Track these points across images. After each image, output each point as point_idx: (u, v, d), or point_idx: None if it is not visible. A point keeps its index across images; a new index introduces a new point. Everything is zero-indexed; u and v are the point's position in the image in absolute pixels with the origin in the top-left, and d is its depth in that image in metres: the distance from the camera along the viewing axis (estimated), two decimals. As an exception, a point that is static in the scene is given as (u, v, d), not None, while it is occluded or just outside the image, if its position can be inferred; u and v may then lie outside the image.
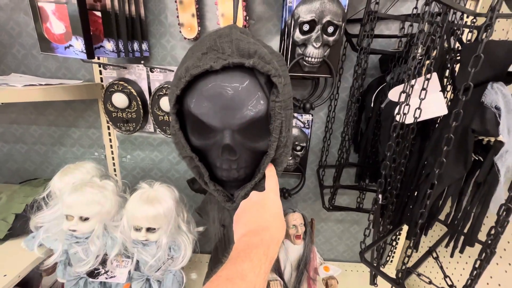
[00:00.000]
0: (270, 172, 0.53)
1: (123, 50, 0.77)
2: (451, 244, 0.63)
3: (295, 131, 1.01)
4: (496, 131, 0.49)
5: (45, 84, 0.78)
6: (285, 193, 1.12)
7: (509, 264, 0.79)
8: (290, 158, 1.03)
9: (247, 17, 0.87)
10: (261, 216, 0.44)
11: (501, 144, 0.50)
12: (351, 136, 1.02)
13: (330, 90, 0.85)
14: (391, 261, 1.29)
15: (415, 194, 0.67)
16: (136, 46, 0.86)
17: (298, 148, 1.02)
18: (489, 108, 0.49)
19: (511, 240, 0.78)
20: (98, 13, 0.69)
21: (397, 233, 1.02)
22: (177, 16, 0.87)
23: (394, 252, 1.27)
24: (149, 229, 0.65)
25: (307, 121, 1.02)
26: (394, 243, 1.08)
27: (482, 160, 0.55)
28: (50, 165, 1.14)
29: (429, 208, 0.63)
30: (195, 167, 0.54)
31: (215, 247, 0.65)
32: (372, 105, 0.90)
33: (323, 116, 1.06)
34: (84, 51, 0.62)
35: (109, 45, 0.72)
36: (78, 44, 0.62)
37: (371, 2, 0.73)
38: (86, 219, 0.66)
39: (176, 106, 0.49)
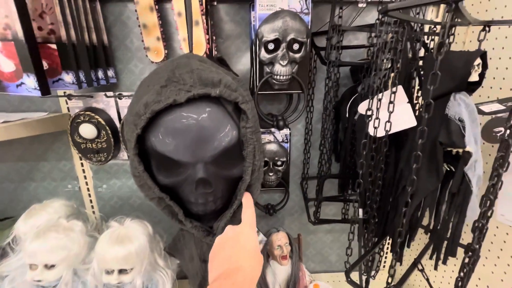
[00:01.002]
0: (247, 202, 0.51)
1: (85, 81, 0.73)
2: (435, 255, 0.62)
3: (274, 147, 0.99)
4: (462, 143, 0.48)
5: (3, 122, 0.73)
6: (269, 209, 1.10)
7: (495, 265, 0.79)
8: (272, 174, 1.01)
9: (214, 37, 0.86)
10: (235, 254, 0.42)
11: (469, 154, 0.49)
12: (330, 147, 1.01)
13: (305, 103, 0.85)
14: (384, 266, 1.29)
15: (395, 206, 0.66)
16: (101, 74, 0.83)
17: (279, 163, 1.00)
18: (453, 120, 0.48)
19: (495, 241, 0.78)
20: (53, 46, 0.66)
21: (385, 242, 1.01)
22: (142, 40, 0.85)
23: (386, 258, 1.27)
24: (121, 271, 0.61)
25: (285, 135, 1.01)
26: (382, 253, 1.07)
27: (454, 170, 0.55)
28: (21, 202, 1.07)
29: (409, 220, 0.63)
30: (166, 206, 0.51)
31: (200, 286, 0.62)
32: (347, 115, 0.90)
33: (301, 128, 1.05)
34: (38, 88, 0.58)
35: (68, 77, 0.69)
36: (30, 81, 0.58)
37: (334, 16, 0.73)
38: (52, 266, 0.61)
39: (137, 146, 0.46)
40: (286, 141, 1.02)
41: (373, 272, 1.14)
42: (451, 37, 0.75)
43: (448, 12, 0.35)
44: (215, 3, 0.88)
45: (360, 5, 0.88)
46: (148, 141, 0.47)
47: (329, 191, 1.14)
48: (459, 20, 0.55)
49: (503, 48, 0.65)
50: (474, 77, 0.49)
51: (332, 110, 0.86)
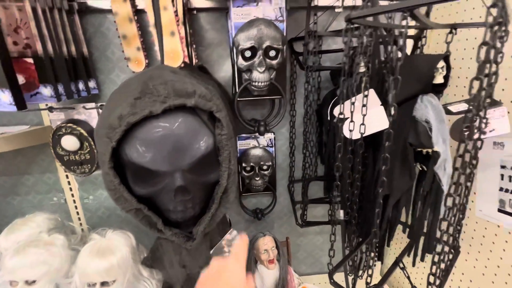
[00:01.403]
0: (242, 243, 0.46)
1: (64, 93, 0.73)
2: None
3: (259, 152, 1.00)
4: (430, 143, 0.50)
5: (-18, 138, 0.73)
6: (258, 214, 1.10)
7: (476, 259, 0.81)
8: (258, 178, 1.02)
9: (194, 45, 0.87)
10: None
11: (437, 154, 0.51)
12: (316, 149, 1.03)
13: (288, 107, 0.86)
14: (375, 264, 1.30)
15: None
16: (81, 85, 0.83)
17: (265, 167, 1.01)
18: (420, 122, 0.50)
19: (475, 236, 0.80)
20: (30, 60, 0.66)
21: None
22: (123, 51, 0.85)
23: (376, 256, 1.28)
24: (103, 284, 0.60)
25: (270, 139, 1.02)
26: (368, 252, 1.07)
27: (425, 169, 0.56)
28: (5, 217, 1.05)
29: (387, 220, 0.64)
30: (144, 217, 0.52)
31: (181, 292, 0.62)
32: (328, 118, 0.91)
33: (286, 132, 1.06)
34: (13, 103, 0.58)
35: (46, 90, 0.69)
36: (5, 96, 0.58)
37: (309, 22, 0.75)
38: (33, 282, 0.61)
39: (113, 159, 0.46)
40: (271, 145, 1.03)
41: (360, 272, 1.15)
42: (423, 40, 0.78)
43: (403, 19, 0.37)
44: (195, 12, 0.89)
45: (337, 10, 0.90)
46: (123, 153, 0.47)
47: (316, 193, 1.15)
48: (417, 24, 0.57)
49: (464, 49, 0.68)
50: (439, 80, 0.51)
51: (313, 113, 0.88)
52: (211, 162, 0.52)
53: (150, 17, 0.64)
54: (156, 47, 0.66)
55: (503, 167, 0.70)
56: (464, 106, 0.56)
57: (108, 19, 0.88)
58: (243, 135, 0.99)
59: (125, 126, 0.44)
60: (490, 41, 0.36)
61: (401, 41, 0.39)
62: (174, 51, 0.67)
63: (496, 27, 0.37)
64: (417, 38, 0.77)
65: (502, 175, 0.71)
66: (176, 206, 0.52)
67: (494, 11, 0.38)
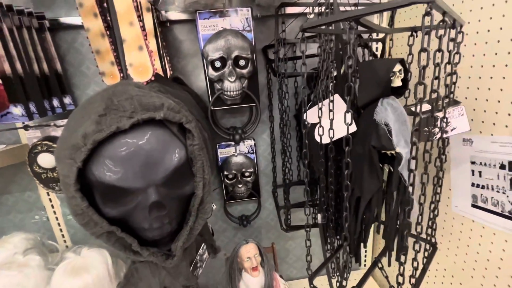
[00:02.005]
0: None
1: (36, 112, 0.73)
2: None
3: (240, 159, 1.01)
4: (391, 145, 0.51)
5: (-46, 160, 0.72)
6: (243, 221, 1.10)
7: (456, 255, 0.82)
8: (241, 185, 1.02)
9: (168, 57, 0.87)
10: None
11: (400, 155, 0.52)
12: (297, 153, 1.04)
13: (259, 115, 0.86)
14: (365, 260, 1.31)
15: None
16: (56, 102, 0.83)
17: (247, 174, 1.02)
18: (380, 125, 0.51)
19: (454, 232, 0.81)
20: (-1, 80, 0.66)
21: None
22: (97, 66, 0.85)
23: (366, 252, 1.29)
24: (79, 302, 0.60)
25: (250, 146, 1.03)
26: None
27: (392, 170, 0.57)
28: (-14, 239, 1.04)
29: (361, 222, 0.65)
30: (117, 240, 0.50)
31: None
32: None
33: (267, 138, 1.07)
34: (-20, 125, 0.58)
35: (17, 110, 0.69)
36: (-29, 119, 0.58)
37: (278, 31, 0.77)
38: (6, 305, 0.60)
39: (79, 181, 0.45)
40: (252, 152, 1.04)
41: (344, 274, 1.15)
42: (390, 43, 0.80)
43: (350, 28, 0.38)
44: (168, 24, 0.90)
45: (309, 16, 0.92)
46: (90, 173, 0.46)
47: (301, 196, 1.16)
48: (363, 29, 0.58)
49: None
50: (397, 83, 0.52)
51: (290, 119, 0.89)
52: (185, 173, 0.52)
53: (117, 31, 0.65)
54: (128, 61, 0.67)
55: (473, 162, 0.72)
56: (427, 107, 0.57)
57: (82, 34, 0.88)
58: (223, 143, 0.99)
59: (91, 144, 0.43)
60: (426, 47, 0.37)
61: (351, 49, 0.40)
62: (143, 65, 0.68)
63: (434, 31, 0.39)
64: (384, 41, 0.79)
65: (472, 171, 0.73)
66: (152, 223, 0.51)
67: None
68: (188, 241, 0.56)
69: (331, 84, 0.60)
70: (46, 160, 0.84)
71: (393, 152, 0.54)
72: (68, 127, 0.48)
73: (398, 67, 0.52)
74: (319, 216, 0.72)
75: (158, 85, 0.68)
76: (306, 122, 0.88)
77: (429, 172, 0.50)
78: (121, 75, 0.86)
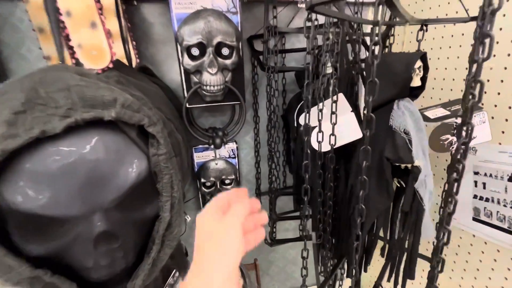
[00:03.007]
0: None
1: None
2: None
3: (220, 164, 0.88)
4: (410, 158, 0.42)
5: None
6: (222, 234, 0.98)
7: (452, 270, 0.77)
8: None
9: (134, 42, 0.72)
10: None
11: (418, 169, 0.43)
12: (283, 158, 0.94)
13: (243, 115, 0.75)
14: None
15: (348, 226, 0.59)
16: (-18, 92, 0.64)
17: (227, 181, 0.89)
18: (398, 133, 0.42)
19: (451, 246, 0.76)
20: None
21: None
22: (40, 48, 0.67)
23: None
24: None
25: (232, 150, 0.90)
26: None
27: (405, 186, 0.49)
28: None
29: (363, 244, 0.56)
30: (46, 285, 0.36)
31: None
32: (296, 124, 0.82)
33: (251, 140, 0.95)
34: None
35: None
36: None
37: (268, 17, 0.65)
38: None
39: None
40: (233, 156, 0.92)
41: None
42: (391, 38, 0.72)
43: (379, 4, 0.28)
44: (135, 3, 0.75)
45: (299, 5, 0.81)
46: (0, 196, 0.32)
47: (286, 204, 1.06)
48: (396, 19, 0.49)
49: (440, 48, 0.62)
50: (416, 82, 0.43)
51: (276, 120, 0.78)
52: (146, 192, 0.40)
53: (60, 1, 0.49)
54: (70, 43, 0.51)
55: (476, 173, 0.67)
56: (442, 112, 0.49)
57: (19, 7, 0.70)
58: (200, 146, 0.86)
59: (1, 156, 0.29)
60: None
61: (376, 33, 0.30)
62: (97, 48, 0.53)
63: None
64: (385, 36, 0.71)
65: (475, 182, 0.67)
66: (98, 260, 0.37)
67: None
68: (150, 277, 0.43)
69: (333, 81, 0.50)
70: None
71: (408, 165, 0.45)
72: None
73: (418, 63, 0.43)
74: (313, 234, 0.63)
75: (118, 74, 0.53)
76: (299, 125, 0.78)
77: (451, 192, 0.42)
78: (73, 61, 0.69)
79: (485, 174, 0.64)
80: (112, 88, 0.37)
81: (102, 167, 0.34)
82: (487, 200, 0.65)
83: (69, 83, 0.34)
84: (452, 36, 0.60)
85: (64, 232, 0.35)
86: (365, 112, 0.35)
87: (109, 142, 0.35)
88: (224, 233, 0.30)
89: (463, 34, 0.58)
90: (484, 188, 0.65)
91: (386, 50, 0.72)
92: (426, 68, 0.44)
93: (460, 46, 0.58)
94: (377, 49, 0.31)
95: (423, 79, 0.45)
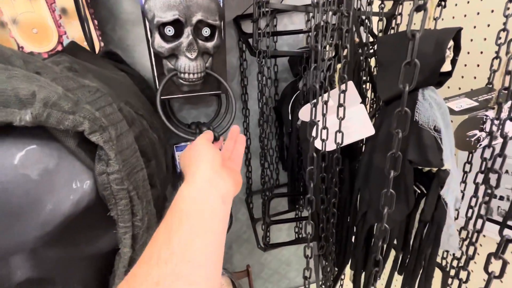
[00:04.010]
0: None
1: None
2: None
3: (206, 163, 0.78)
4: (439, 160, 0.34)
5: None
6: (211, 239, 0.89)
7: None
8: (207, 196, 0.80)
9: (96, 21, 0.59)
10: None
11: (446, 173, 0.36)
12: (276, 154, 0.85)
13: (233, 104, 0.65)
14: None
15: (354, 236, 0.51)
16: None
17: (214, 182, 0.80)
18: (426, 130, 0.34)
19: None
20: None
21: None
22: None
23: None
24: None
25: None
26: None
27: (424, 191, 0.41)
28: None
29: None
30: None
31: None
32: (290, 117, 0.73)
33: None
34: None
35: None
36: None
37: (258, -11, 0.54)
38: None
39: None
40: (220, 154, 0.82)
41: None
42: (398, 18, 0.63)
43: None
44: (97, -27, 0.61)
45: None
46: None
47: (280, 203, 0.98)
48: None
49: (474, 27, 0.54)
50: (446, 66, 0.35)
51: (270, 114, 0.68)
52: (95, 221, 0.31)
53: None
54: (2, 18, 0.38)
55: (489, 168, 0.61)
56: (468, 102, 0.41)
57: None
58: (183, 144, 0.75)
59: None
60: None
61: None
62: (39, 25, 0.40)
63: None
64: (390, 16, 0.62)
65: (489, 179, 0.62)
66: None
67: None
68: None
69: (340, 67, 0.41)
70: None
71: (433, 168, 0.37)
72: None
73: (450, 42, 0.34)
74: (314, 245, 0.55)
75: (70, 60, 0.42)
76: (294, 119, 0.69)
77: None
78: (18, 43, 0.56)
79: (506, 171, 0.58)
80: (34, 78, 0.26)
81: (16, 194, 0.24)
82: (501, 198, 0.59)
83: None
84: (478, 14, 0.52)
85: None
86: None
87: (30, 156, 0.25)
88: (195, 150, 0.35)
89: (492, 11, 0.50)
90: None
91: (393, 31, 0.63)
92: (457, 49, 0.36)
93: (489, 25, 0.50)
94: (420, 16, 0.22)
95: (453, 63, 0.37)
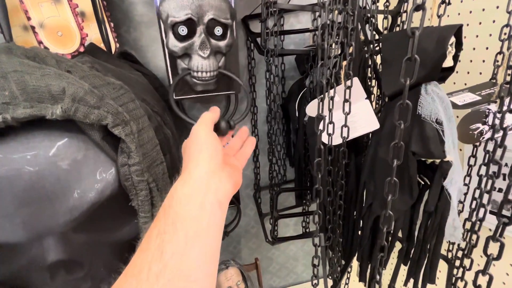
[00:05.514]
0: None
1: None
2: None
3: (215, 159, 0.81)
4: (442, 152, 0.36)
5: None
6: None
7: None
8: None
9: (112, 24, 0.63)
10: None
11: (448, 164, 0.37)
12: (283, 150, 0.87)
13: (248, 102, 0.67)
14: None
15: (361, 227, 0.53)
16: None
17: (224, 177, 0.82)
18: (428, 123, 0.35)
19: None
20: None
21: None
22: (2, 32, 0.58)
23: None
24: None
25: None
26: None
27: (428, 182, 0.43)
28: None
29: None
30: None
31: None
32: (297, 114, 0.75)
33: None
34: None
35: None
36: None
37: (266, -10, 0.56)
38: None
39: None
40: (229, 150, 0.84)
41: None
42: (403, 15, 0.65)
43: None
44: (111, -23, 0.65)
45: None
46: None
47: (287, 198, 1.00)
48: None
49: (467, 24, 0.55)
50: (448, 62, 0.37)
51: (277, 110, 0.70)
52: (119, 210, 0.33)
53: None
54: (30, 22, 0.42)
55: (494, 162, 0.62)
56: (471, 97, 0.43)
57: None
58: (193, 140, 0.78)
59: None
60: None
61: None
62: (64, 28, 0.44)
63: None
64: (396, 14, 0.63)
65: (494, 172, 0.62)
66: None
67: None
68: None
69: (345, 64, 0.43)
70: None
71: (436, 160, 0.38)
72: None
73: (451, 38, 0.36)
74: (321, 236, 0.57)
75: (92, 60, 0.45)
76: (303, 114, 0.71)
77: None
78: (43, 45, 0.60)
79: (506, 165, 0.59)
80: (64, 75, 0.29)
81: (49, 181, 0.27)
82: (503, 191, 0.60)
83: (5, 69, 0.26)
84: (484, 10, 0.53)
85: (15, 256, 0.29)
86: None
87: (61, 148, 0.28)
88: (195, 139, 0.32)
89: (497, 7, 0.51)
90: (504, 179, 0.60)
91: (398, 28, 0.64)
92: (459, 45, 0.38)
93: (494, 22, 0.51)
94: (419, 15, 0.24)
95: (455, 58, 0.38)
